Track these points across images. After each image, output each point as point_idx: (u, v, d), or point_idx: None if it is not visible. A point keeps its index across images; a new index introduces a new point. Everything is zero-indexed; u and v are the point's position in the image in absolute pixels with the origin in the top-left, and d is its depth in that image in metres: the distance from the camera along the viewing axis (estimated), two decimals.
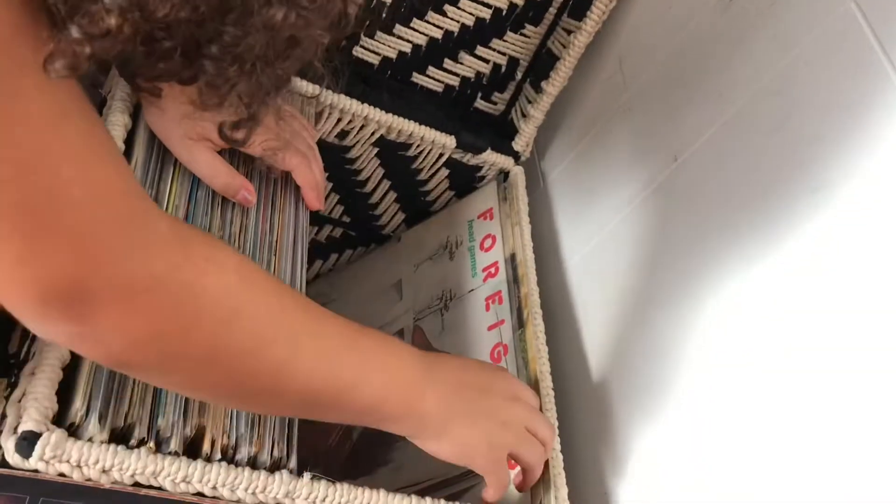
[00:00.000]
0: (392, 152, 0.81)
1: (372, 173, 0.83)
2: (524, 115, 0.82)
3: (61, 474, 0.46)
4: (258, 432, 0.53)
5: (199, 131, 0.58)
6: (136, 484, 0.48)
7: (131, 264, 0.39)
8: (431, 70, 0.81)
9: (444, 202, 0.87)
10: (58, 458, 0.45)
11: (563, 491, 0.60)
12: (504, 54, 0.81)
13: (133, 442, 0.49)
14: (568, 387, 0.70)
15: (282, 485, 0.50)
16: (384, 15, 0.76)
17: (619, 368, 0.68)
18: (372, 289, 0.86)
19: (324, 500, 0.51)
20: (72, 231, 0.37)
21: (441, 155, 0.82)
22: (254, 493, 0.50)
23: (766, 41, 0.61)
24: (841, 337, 0.49)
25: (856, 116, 0.52)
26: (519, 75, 0.83)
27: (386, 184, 0.85)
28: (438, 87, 0.82)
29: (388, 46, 0.78)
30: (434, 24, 0.78)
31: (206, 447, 0.51)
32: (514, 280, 0.74)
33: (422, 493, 0.56)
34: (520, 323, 0.71)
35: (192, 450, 0.51)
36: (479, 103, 0.84)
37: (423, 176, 0.84)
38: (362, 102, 0.75)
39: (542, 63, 0.80)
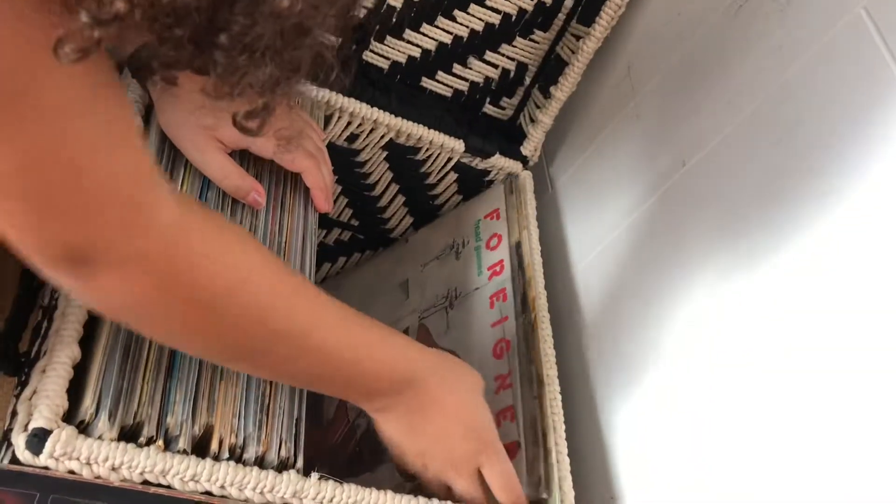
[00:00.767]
0: (401, 156, 0.81)
1: (381, 177, 0.84)
2: (533, 120, 0.83)
3: (71, 471, 0.46)
4: (266, 432, 0.53)
5: (210, 133, 0.59)
6: (145, 482, 0.48)
7: (128, 246, 0.43)
8: (441, 75, 0.81)
9: (451, 206, 0.88)
10: (68, 455, 0.46)
11: (570, 494, 0.60)
12: (513, 59, 0.81)
13: (142, 440, 0.49)
14: (574, 389, 0.70)
15: (289, 484, 0.51)
16: (394, 19, 0.77)
17: (625, 371, 0.68)
18: (379, 289, 0.87)
19: (331, 500, 0.52)
20: (79, 212, 0.41)
21: (450, 159, 0.82)
22: (262, 493, 0.50)
23: (774, 48, 0.61)
24: (844, 341, 0.49)
25: (864, 123, 0.52)
26: (528, 80, 0.83)
27: (394, 187, 0.85)
28: (447, 92, 0.82)
29: (398, 51, 0.78)
30: (444, 30, 0.78)
31: (214, 446, 0.51)
32: (520, 271, 0.74)
33: (429, 496, 0.56)
34: (523, 309, 0.71)
35: (200, 448, 0.51)
36: (488, 108, 0.85)
37: (431, 180, 0.84)
38: (372, 106, 0.75)
39: (551, 68, 0.80)
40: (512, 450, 0.63)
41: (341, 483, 0.53)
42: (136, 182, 0.43)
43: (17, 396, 0.50)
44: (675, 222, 0.67)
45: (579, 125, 0.85)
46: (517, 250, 0.76)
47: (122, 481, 0.47)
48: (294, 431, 0.54)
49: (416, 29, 0.78)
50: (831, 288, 0.51)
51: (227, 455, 0.51)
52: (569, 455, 0.62)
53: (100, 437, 0.47)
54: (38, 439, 0.45)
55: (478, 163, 0.82)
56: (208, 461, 0.49)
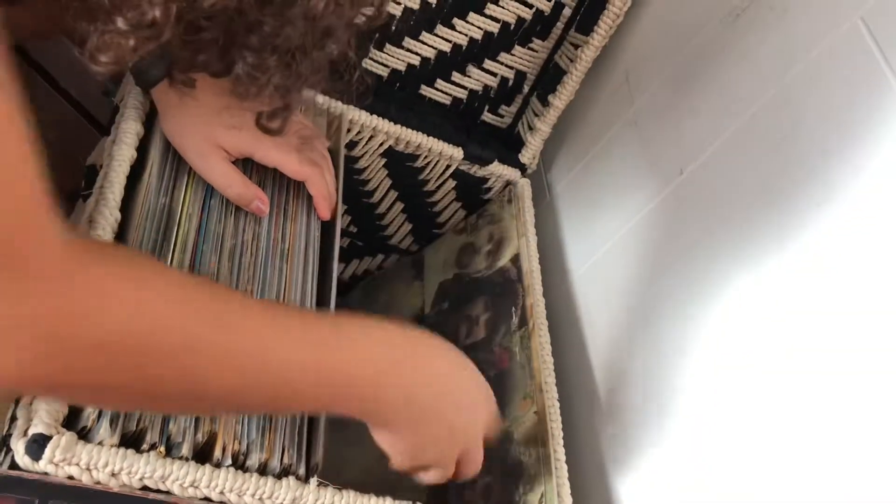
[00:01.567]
0: (400, 163, 0.81)
1: (379, 184, 0.84)
2: (531, 128, 0.83)
3: (70, 477, 0.46)
4: (269, 438, 0.53)
5: (213, 141, 0.59)
6: (145, 488, 0.48)
7: (9, 313, 0.35)
8: (440, 83, 0.81)
9: (450, 213, 0.88)
10: (67, 460, 0.46)
11: (568, 501, 0.60)
12: (512, 68, 0.82)
13: (144, 446, 0.49)
14: (573, 395, 0.71)
15: (288, 491, 0.51)
16: (393, 28, 0.77)
17: (623, 378, 0.68)
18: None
19: None
20: None
21: (448, 166, 0.82)
22: (260, 499, 0.50)
23: (771, 55, 0.61)
24: (844, 343, 0.50)
25: (861, 130, 0.52)
26: (526, 89, 0.83)
27: (393, 194, 0.86)
28: (446, 100, 0.82)
29: (398, 59, 0.79)
30: (443, 38, 0.78)
31: (217, 453, 0.51)
32: (518, 279, 0.74)
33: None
34: (521, 323, 0.71)
35: (203, 455, 0.51)
36: (487, 116, 0.85)
37: (430, 187, 0.85)
38: (371, 114, 0.76)
39: (550, 77, 0.81)
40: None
41: (340, 490, 0.53)
42: (10, 234, 0.35)
43: (17, 401, 0.50)
44: (674, 229, 0.67)
45: (578, 133, 0.85)
46: (516, 259, 0.76)
47: (121, 487, 0.47)
48: (297, 438, 0.54)
49: (416, 37, 0.78)
50: (829, 293, 0.52)
51: (229, 462, 0.51)
52: (567, 462, 0.62)
53: (100, 443, 0.47)
54: (37, 445, 0.45)
55: (476, 170, 0.83)
56: (207, 467, 0.49)
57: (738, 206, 0.61)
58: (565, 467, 0.62)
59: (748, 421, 0.55)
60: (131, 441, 0.49)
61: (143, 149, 0.59)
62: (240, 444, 0.52)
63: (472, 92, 0.83)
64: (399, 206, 0.87)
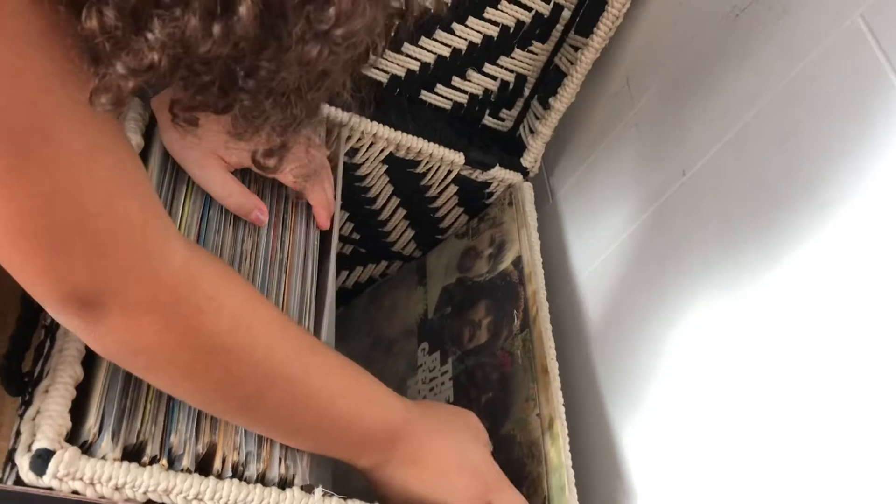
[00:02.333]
0: (401, 169, 0.81)
1: (381, 190, 0.84)
2: (532, 132, 0.83)
3: (75, 492, 0.46)
4: (266, 449, 0.53)
5: (212, 151, 0.59)
6: (149, 501, 0.48)
7: (137, 291, 0.44)
8: (440, 87, 0.81)
9: (452, 218, 0.88)
10: (71, 475, 0.46)
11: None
12: (512, 71, 0.82)
13: (145, 459, 0.49)
14: (577, 400, 0.70)
15: (293, 501, 0.51)
16: (393, 33, 0.77)
17: (629, 381, 0.67)
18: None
19: None
20: (91, 255, 0.42)
21: (450, 172, 0.82)
22: None
23: (772, 56, 0.61)
24: (847, 347, 0.49)
25: (862, 130, 0.52)
26: (527, 92, 0.83)
27: (395, 201, 0.86)
28: (447, 105, 0.82)
29: (397, 64, 0.79)
30: (443, 43, 0.78)
31: (217, 464, 0.51)
32: (520, 285, 0.74)
33: None
34: (522, 326, 0.71)
35: (203, 466, 0.51)
36: (488, 120, 0.85)
37: (431, 193, 0.85)
38: (371, 120, 0.75)
39: (550, 79, 0.81)
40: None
41: (345, 500, 0.53)
42: (145, 227, 0.44)
43: (21, 416, 0.50)
44: (677, 231, 0.67)
45: (579, 135, 0.85)
46: (518, 262, 0.76)
47: (125, 501, 0.47)
48: (293, 449, 0.54)
49: (416, 42, 0.78)
50: (833, 294, 0.51)
51: (230, 473, 0.51)
52: (574, 467, 0.62)
53: (103, 458, 0.47)
54: (41, 460, 0.45)
55: (478, 175, 0.83)
56: (211, 479, 0.49)
57: (740, 207, 0.61)
58: (572, 472, 0.62)
59: (753, 427, 0.55)
60: (133, 454, 0.49)
61: (143, 160, 0.59)
62: (239, 454, 0.52)
63: (472, 96, 0.82)
64: (401, 212, 0.87)
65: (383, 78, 0.79)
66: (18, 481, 0.46)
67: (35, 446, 0.46)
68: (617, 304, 0.72)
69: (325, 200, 0.65)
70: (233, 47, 0.35)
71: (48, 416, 0.47)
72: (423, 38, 0.78)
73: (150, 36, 0.34)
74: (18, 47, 0.36)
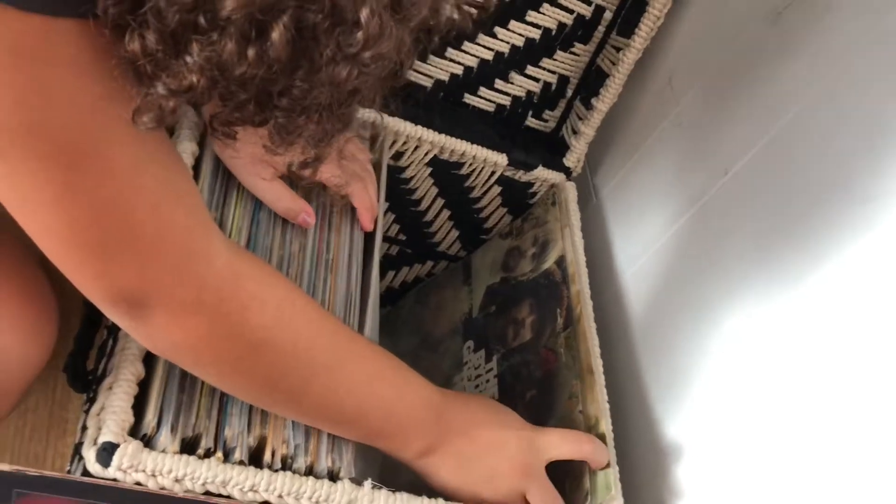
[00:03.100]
0: (445, 172, 0.83)
1: (426, 192, 0.85)
2: (575, 132, 0.83)
3: (137, 483, 0.48)
4: (313, 442, 0.55)
5: (262, 158, 0.61)
6: (207, 493, 0.50)
7: (183, 292, 0.47)
8: (483, 90, 0.82)
9: (496, 219, 0.89)
10: (134, 467, 0.48)
11: (619, 501, 0.61)
12: (554, 73, 0.83)
13: (200, 451, 0.51)
14: (621, 398, 0.71)
15: (344, 494, 0.52)
16: (434, 39, 0.78)
17: (673, 381, 0.68)
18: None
19: None
20: (138, 260, 0.45)
21: (493, 173, 0.83)
22: (317, 502, 0.52)
23: (814, 53, 0.61)
24: (892, 350, 0.49)
25: None
26: (569, 93, 0.84)
27: (440, 202, 0.87)
28: (490, 107, 0.83)
29: (441, 69, 0.80)
30: (485, 46, 0.79)
31: (267, 457, 0.53)
32: (563, 284, 0.75)
33: None
34: (565, 325, 0.72)
35: (254, 459, 0.53)
36: (531, 121, 0.86)
37: (475, 194, 0.86)
38: (416, 124, 0.77)
39: (592, 80, 0.81)
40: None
41: (394, 492, 0.54)
42: (190, 232, 0.47)
43: (87, 412, 0.52)
44: (720, 230, 0.67)
45: (622, 135, 0.85)
46: (561, 261, 0.77)
47: (185, 492, 0.49)
48: (339, 440, 0.56)
49: (458, 47, 0.79)
50: (879, 293, 0.51)
51: (279, 465, 0.53)
52: (619, 464, 0.63)
53: (163, 451, 0.50)
54: (106, 453, 0.48)
55: (521, 176, 0.84)
56: (266, 472, 0.51)
57: (783, 205, 0.61)
58: (616, 469, 0.62)
59: (798, 429, 0.55)
60: (188, 447, 0.51)
61: (197, 166, 0.62)
62: (287, 447, 0.54)
63: (515, 98, 0.83)
64: (446, 213, 0.88)
65: (427, 83, 0.81)
66: (85, 473, 0.49)
67: (100, 440, 0.48)
68: (662, 303, 0.72)
69: (368, 203, 0.67)
70: (267, 69, 0.37)
71: (112, 412, 0.49)
72: (465, 42, 0.79)
73: (188, 59, 0.36)
74: (73, 71, 0.38)
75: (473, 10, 0.45)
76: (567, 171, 0.85)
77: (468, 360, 0.81)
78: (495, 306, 0.82)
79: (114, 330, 0.55)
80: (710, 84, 0.73)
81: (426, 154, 0.80)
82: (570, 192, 0.83)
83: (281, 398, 0.54)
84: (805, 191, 0.59)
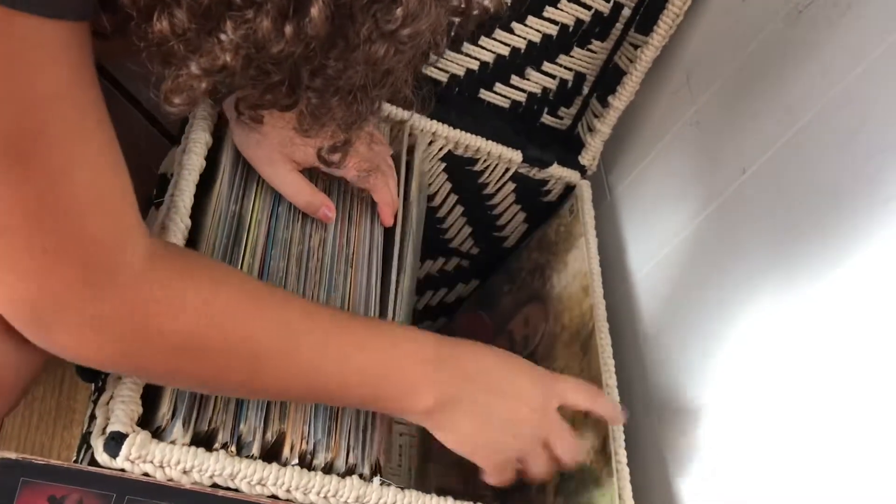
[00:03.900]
0: (459, 167, 0.82)
1: (440, 188, 0.85)
2: (590, 130, 0.83)
3: (146, 474, 0.48)
4: (335, 438, 0.54)
5: (282, 151, 0.61)
6: (215, 485, 0.50)
7: (82, 310, 0.43)
8: (498, 86, 0.82)
9: (510, 216, 0.88)
10: (142, 458, 0.48)
11: None
12: (570, 70, 0.82)
13: (216, 445, 0.51)
14: (633, 397, 0.70)
15: (352, 489, 0.52)
16: (452, 33, 0.78)
17: (686, 381, 0.67)
18: None
19: None
20: (38, 273, 0.41)
21: (507, 169, 0.83)
22: (325, 497, 0.52)
23: (835, 52, 0.60)
24: None
25: None
26: (585, 90, 0.83)
27: (453, 198, 0.87)
28: (505, 103, 0.83)
29: (457, 64, 0.80)
30: (502, 42, 0.79)
31: (286, 452, 0.53)
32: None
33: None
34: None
35: (273, 454, 0.53)
36: (546, 118, 0.85)
37: (489, 190, 0.85)
38: (431, 119, 0.77)
39: (609, 78, 0.81)
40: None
41: (403, 489, 0.54)
42: (98, 245, 0.43)
43: (95, 402, 0.52)
44: (737, 230, 0.67)
45: (638, 133, 0.85)
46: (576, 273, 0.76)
47: (193, 484, 0.49)
48: (362, 437, 0.55)
49: (475, 42, 0.79)
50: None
51: (297, 461, 0.53)
52: (629, 465, 0.62)
53: (172, 442, 0.49)
54: (115, 442, 0.47)
55: (535, 173, 0.83)
56: (274, 466, 0.51)
57: (801, 206, 0.60)
58: (626, 469, 0.62)
59: (813, 429, 0.54)
60: (203, 440, 0.51)
61: (214, 158, 0.61)
62: (307, 443, 0.53)
63: (530, 94, 0.83)
64: (459, 209, 0.88)
65: (443, 77, 0.80)
66: (93, 462, 0.48)
67: (109, 429, 0.48)
68: (676, 302, 0.72)
69: (389, 198, 0.67)
70: (304, 47, 0.36)
71: (121, 402, 0.49)
72: (482, 37, 0.78)
73: (222, 37, 0.35)
74: (37, 55, 0.35)
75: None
76: (582, 169, 0.84)
77: None
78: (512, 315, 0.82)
79: None
80: (729, 82, 0.72)
81: (440, 149, 0.79)
82: (585, 190, 0.83)
83: (235, 390, 0.51)
84: (824, 191, 0.58)
